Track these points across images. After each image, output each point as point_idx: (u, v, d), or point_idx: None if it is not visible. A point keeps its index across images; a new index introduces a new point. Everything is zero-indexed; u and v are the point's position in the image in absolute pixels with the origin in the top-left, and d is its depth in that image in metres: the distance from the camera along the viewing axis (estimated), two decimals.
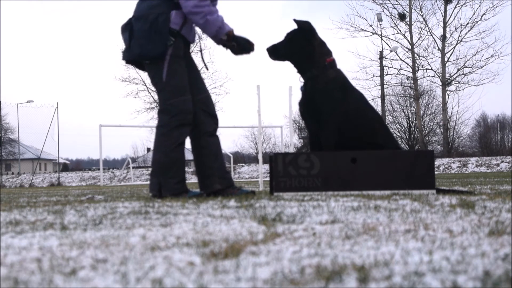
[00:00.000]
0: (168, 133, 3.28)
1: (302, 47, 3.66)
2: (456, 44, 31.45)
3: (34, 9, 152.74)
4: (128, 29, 3.30)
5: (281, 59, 3.75)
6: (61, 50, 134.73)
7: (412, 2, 31.70)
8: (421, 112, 33.96)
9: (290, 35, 3.71)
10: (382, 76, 28.83)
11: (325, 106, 3.56)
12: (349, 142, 3.56)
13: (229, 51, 3.42)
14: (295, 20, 3.72)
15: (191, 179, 14.00)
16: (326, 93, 3.58)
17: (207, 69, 4.02)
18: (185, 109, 3.30)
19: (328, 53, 3.70)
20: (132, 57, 3.32)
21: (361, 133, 3.58)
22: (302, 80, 3.73)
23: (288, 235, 1.41)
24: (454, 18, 31.42)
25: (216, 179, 3.41)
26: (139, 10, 3.32)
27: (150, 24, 3.21)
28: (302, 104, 3.71)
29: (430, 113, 35.50)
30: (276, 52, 3.73)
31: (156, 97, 25.62)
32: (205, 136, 3.43)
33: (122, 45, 3.43)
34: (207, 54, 27.78)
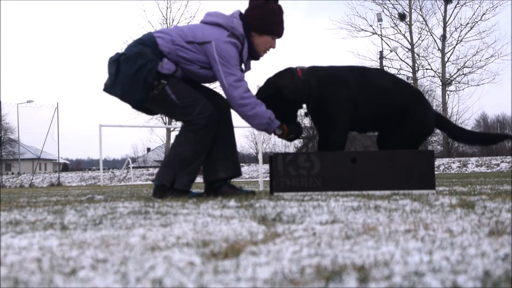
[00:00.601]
0: (197, 131, 3.25)
1: (283, 99, 3.44)
2: (456, 44, 31.47)
3: (34, 9, 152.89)
4: (116, 65, 3.22)
5: (294, 120, 3.51)
6: (61, 50, 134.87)
7: (412, 2, 31.70)
8: None
9: (277, 109, 3.38)
10: None
11: (331, 110, 3.48)
12: (377, 123, 3.63)
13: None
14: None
15: None
16: (326, 101, 3.49)
17: None
18: (210, 111, 3.27)
19: (292, 70, 3.51)
20: (113, 94, 3.28)
21: (383, 110, 3.60)
22: (304, 109, 3.65)
23: (288, 235, 1.41)
24: (454, 18, 31.48)
25: (221, 167, 3.36)
26: (130, 50, 3.23)
27: (136, 69, 3.14)
28: (314, 119, 3.65)
29: None
30: (296, 127, 3.45)
31: None
32: (221, 121, 3.38)
33: (106, 77, 3.31)
34: None
